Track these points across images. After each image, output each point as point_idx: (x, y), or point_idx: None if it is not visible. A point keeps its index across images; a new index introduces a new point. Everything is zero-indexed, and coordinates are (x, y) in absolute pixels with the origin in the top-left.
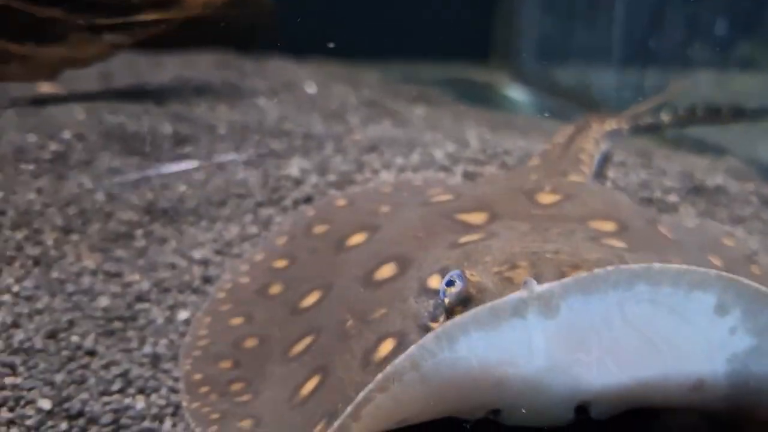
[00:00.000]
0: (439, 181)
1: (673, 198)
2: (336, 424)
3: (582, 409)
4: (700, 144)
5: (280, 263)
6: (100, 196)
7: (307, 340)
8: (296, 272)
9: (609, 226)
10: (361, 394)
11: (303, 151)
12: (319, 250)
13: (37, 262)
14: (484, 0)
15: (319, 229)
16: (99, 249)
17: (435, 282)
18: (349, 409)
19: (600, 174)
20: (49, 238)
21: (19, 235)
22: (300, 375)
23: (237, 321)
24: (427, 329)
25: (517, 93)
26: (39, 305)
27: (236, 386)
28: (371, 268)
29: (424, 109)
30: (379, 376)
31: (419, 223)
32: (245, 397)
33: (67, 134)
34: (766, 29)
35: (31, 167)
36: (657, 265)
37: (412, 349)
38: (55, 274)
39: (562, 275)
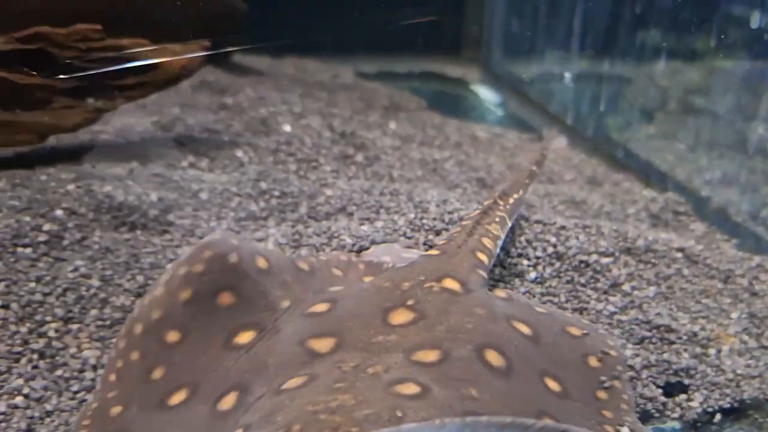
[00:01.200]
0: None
1: (606, 260)
2: None
3: None
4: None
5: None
6: (95, 282)
7: None
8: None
9: (431, 356)
10: None
11: (279, 213)
12: (185, 360)
13: (42, 355)
14: None
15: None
16: (97, 339)
17: None
18: None
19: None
20: (51, 330)
21: (23, 328)
22: None
23: (117, 410)
24: None
25: (485, 91)
26: (48, 406)
27: None
28: (222, 392)
29: (396, 126)
30: None
31: (278, 346)
32: None
33: (59, 212)
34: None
35: (28, 251)
36: None
37: None
38: (59, 372)
39: None
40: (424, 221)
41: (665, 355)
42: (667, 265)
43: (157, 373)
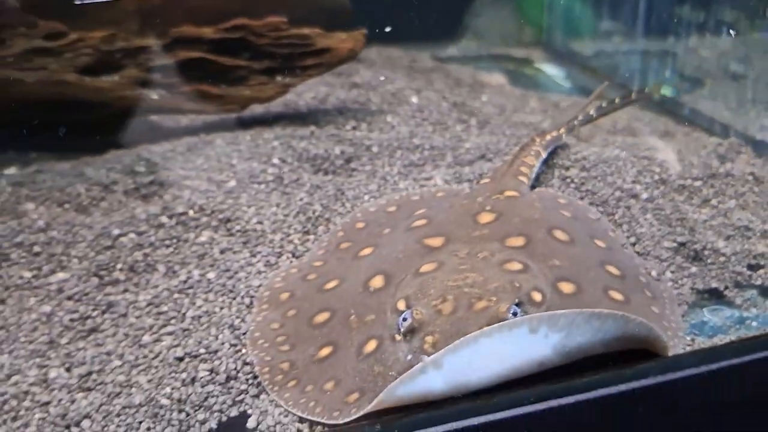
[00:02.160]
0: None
1: (697, 183)
2: (360, 412)
3: (477, 391)
4: (710, 121)
5: (317, 263)
6: (317, 207)
7: (326, 315)
8: (326, 269)
9: (519, 242)
10: (374, 401)
11: (432, 161)
12: (343, 258)
13: (293, 254)
14: None
15: (344, 245)
16: None
17: (401, 305)
18: (369, 406)
19: (537, 180)
20: (295, 238)
21: (276, 237)
22: (318, 342)
23: (285, 296)
24: (393, 339)
25: (550, 68)
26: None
27: (287, 346)
28: (369, 276)
29: (487, 99)
30: (381, 395)
31: (400, 246)
32: (293, 353)
33: (276, 160)
34: None
35: (262, 186)
36: (487, 329)
37: (393, 384)
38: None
39: (471, 306)
40: (556, 161)
41: (746, 246)
42: (741, 185)
43: (311, 276)
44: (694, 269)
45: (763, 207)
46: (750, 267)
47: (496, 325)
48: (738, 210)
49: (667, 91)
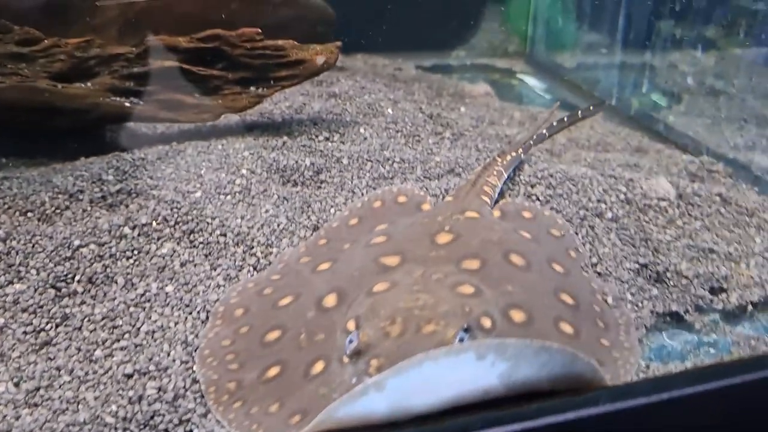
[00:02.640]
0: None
1: (663, 203)
2: (305, 430)
3: (421, 416)
4: (683, 137)
5: (275, 277)
6: (282, 219)
7: (277, 333)
8: (282, 283)
9: (474, 265)
10: (312, 422)
11: (401, 174)
12: (300, 273)
13: (255, 268)
14: None
15: (303, 260)
16: None
17: (351, 325)
18: (306, 428)
19: (498, 201)
20: (258, 251)
21: (239, 249)
22: (267, 361)
23: (239, 312)
24: (341, 361)
25: (532, 80)
26: (248, 283)
27: (235, 365)
28: (323, 293)
29: (465, 110)
30: (320, 415)
31: (357, 263)
32: (241, 372)
33: (244, 171)
34: None
35: (228, 198)
36: (433, 352)
37: (333, 405)
38: (263, 273)
39: (419, 329)
40: (521, 177)
41: (710, 268)
42: (708, 206)
43: (267, 291)
44: (655, 291)
45: (729, 229)
46: (712, 290)
47: (442, 349)
48: (704, 231)
49: (658, 99)
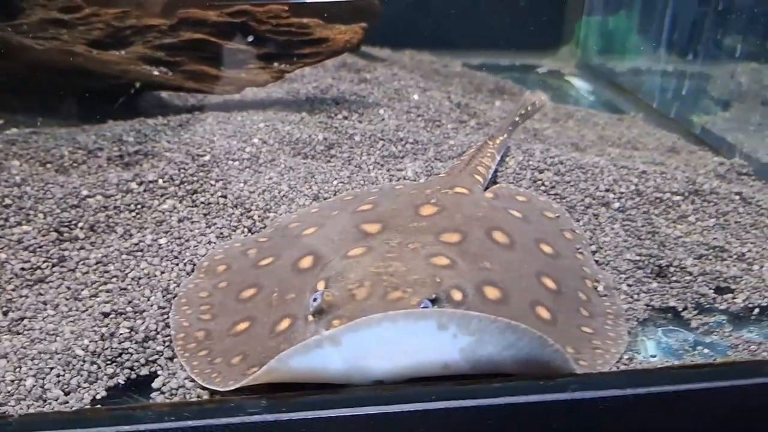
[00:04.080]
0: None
1: (677, 198)
2: (250, 377)
3: (379, 381)
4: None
5: (262, 239)
6: (292, 187)
7: (252, 291)
8: (267, 245)
9: (454, 238)
10: (264, 367)
11: (413, 154)
12: (286, 236)
13: (250, 230)
14: None
15: (292, 225)
16: None
17: (321, 285)
18: (258, 372)
19: (493, 181)
20: (255, 215)
21: (237, 211)
22: (238, 316)
23: (221, 268)
24: (306, 319)
25: (579, 81)
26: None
27: (208, 315)
28: (300, 255)
29: (501, 104)
30: (273, 361)
31: (339, 228)
32: (212, 323)
33: (256, 140)
34: None
35: (236, 164)
36: (392, 313)
37: (286, 352)
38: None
39: (385, 294)
40: (530, 162)
41: (718, 267)
42: (726, 204)
43: (252, 252)
44: (654, 285)
45: (745, 229)
46: (717, 290)
47: (402, 311)
48: (717, 229)
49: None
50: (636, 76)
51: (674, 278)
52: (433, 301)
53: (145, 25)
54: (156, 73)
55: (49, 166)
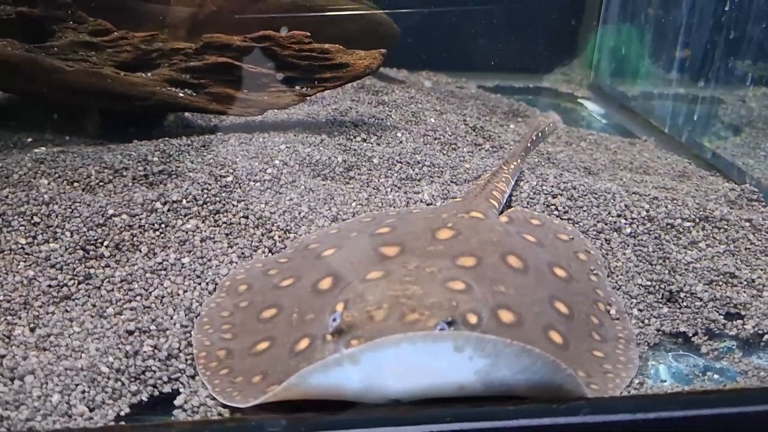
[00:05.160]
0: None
1: (687, 224)
2: (270, 394)
3: (395, 400)
4: (730, 166)
5: (283, 259)
6: (304, 208)
7: (273, 311)
8: (288, 266)
9: (469, 262)
10: (284, 384)
11: (429, 177)
12: (306, 257)
13: (270, 250)
14: (570, 21)
15: (312, 246)
16: None
17: (340, 307)
18: (277, 389)
19: (508, 204)
20: (276, 235)
21: (258, 232)
22: (258, 336)
23: (243, 288)
24: (324, 339)
25: (592, 105)
26: (257, 263)
27: (229, 335)
28: (320, 277)
29: (515, 127)
30: (293, 378)
31: (358, 250)
32: (233, 342)
33: (277, 161)
34: None
35: (257, 185)
36: (411, 334)
37: (306, 369)
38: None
39: (402, 316)
40: (544, 187)
41: (728, 293)
42: (736, 231)
43: (273, 272)
44: (665, 310)
45: (755, 255)
46: (727, 316)
47: (420, 333)
48: (727, 256)
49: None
50: (648, 101)
51: (685, 303)
52: (450, 324)
53: (172, 48)
54: (181, 95)
55: (76, 185)
